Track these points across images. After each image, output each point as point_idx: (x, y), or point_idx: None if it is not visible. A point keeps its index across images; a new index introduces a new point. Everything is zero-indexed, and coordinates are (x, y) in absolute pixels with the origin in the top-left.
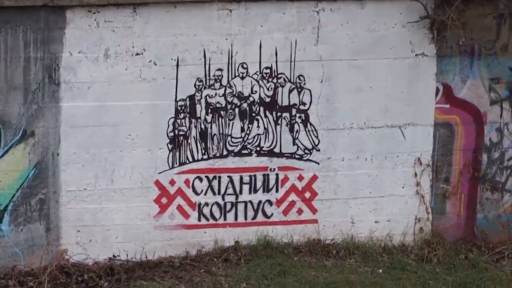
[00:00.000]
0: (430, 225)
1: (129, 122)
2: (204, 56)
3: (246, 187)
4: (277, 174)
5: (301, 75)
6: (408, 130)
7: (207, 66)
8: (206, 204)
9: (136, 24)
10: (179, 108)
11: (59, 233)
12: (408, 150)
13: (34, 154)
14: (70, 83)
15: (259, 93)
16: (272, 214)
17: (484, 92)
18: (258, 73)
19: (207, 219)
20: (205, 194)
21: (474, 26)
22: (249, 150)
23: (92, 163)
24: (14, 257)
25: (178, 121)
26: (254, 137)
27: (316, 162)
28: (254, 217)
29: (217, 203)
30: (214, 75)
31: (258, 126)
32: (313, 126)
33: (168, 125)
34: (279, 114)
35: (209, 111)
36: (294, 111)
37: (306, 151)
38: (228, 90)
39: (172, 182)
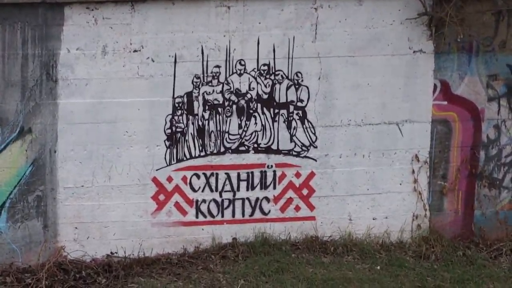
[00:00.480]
0: (427, 222)
1: (126, 119)
2: (202, 53)
3: (243, 184)
4: (274, 171)
5: (299, 72)
6: (406, 127)
7: (204, 63)
8: (204, 201)
9: (134, 21)
10: (176, 105)
11: (56, 230)
12: (406, 147)
13: (31, 151)
14: (68, 80)
15: (257, 90)
16: (269, 211)
17: (482, 89)
18: (255, 70)
19: (205, 216)
20: (202, 191)
21: (472, 23)
22: (246, 147)
23: (89, 160)
24: (11, 254)
25: (176, 118)
26: (251, 134)
27: (314, 159)
28: (252, 214)
29: (214, 200)
30: (211, 72)
31: (255, 123)
32: (311, 123)
33: (166, 122)
34: (276, 111)
35: (207, 108)
36: (291, 108)
37: (304, 148)
38: (226, 87)
39: (169, 179)
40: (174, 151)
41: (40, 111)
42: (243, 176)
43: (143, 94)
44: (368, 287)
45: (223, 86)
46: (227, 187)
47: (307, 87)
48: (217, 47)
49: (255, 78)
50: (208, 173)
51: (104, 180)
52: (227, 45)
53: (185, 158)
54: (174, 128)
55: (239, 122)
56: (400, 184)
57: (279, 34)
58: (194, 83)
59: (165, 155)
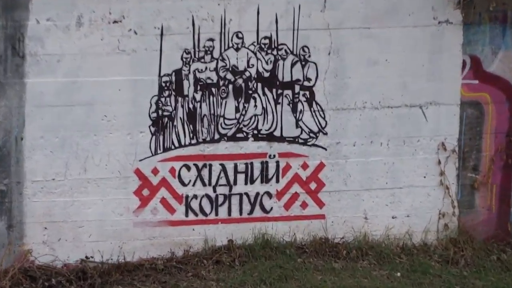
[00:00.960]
0: (456, 221)
1: (105, 101)
2: (193, 24)
3: (241, 177)
4: (277, 162)
5: (306, 46)
6: (430, 110)
7: (196, 36)
8: (195, 196)
9: None
10: (163, 84)
11: (23, 230)
12: (431, 134)
13: None
14: (37, 56)
15: (257, 67)
16: (271, 208)
17: None
18: (255, 43)
19: (196, 214)
20: (193, 185)
21: None
22: (245, 133)
23: (61, 149)
24: None
25: (162, 99)
26: (250, 118)
27: (323, 148)
28: (251, 211)
29: (207, 196)
30: (204, 46)
31: (255, 106)
32: (320, 106)
33: (151, 105)
34: (279, 91)
35: (199, 88)
36: (297, 88)
37: (312, 134)
38: (221, 64)
39: (155, 171)
40: (161, 138)
41: (5, 91)
42: (241, 167)
43: (125, 72)
44: None
45: (217, 63)
46: (222, 181)
47: (315, 64)
48: (210, 17)
49: (255, 54)
50: (200, 164)
51: (79, 173)
52: (222, 15)
53: (173, 147)
54: (160, 112)
55: (236, 105)
56: (424, 177)
57: (282, 2)
58: (184, 59)
59: (150, 143)
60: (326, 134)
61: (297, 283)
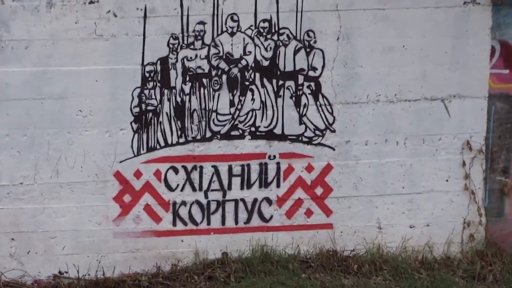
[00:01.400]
0: (483, 231)
1: (80, 94)
2: (181, 5)
3: (236, 181)
4: (278, 163)
5: (311, 31)
6: (454, 104)
7: (184, 19)
8: (184, 203)
9: None
10: (147, 74)
11: None
12: (454, 131)
13: None
14: (2, 42)
15: (255, 55)
16: (271, 216)
17: None
18: (253, 27)
19: (185, 224)
20: (182, 190)
21: None
22: (240, 131)
23: (30, 148)
24: None
25: (146, 92)
26: (247, 113)
27: (331, 147)
28: (248, 220)
29: (198, 202)
30: (194, 31)
31: (252, 99)
32: (327, 99)
33: (133, 98)
34: (281, 82)
35: (188, 78)
36: (301, 79)
37: (317, 132)
38: (213, 51)
39: (137, 174)
40: (144, 136)
41: None
42: (236, 170)
43: (102, 61)
44: None
45: (209, 50)
46: (215, 185)
47: (322, 51)
48: None
49: (252, 39)
50: (189, 166)
51: (51, 176)
52: None
53: (158, 146)
54: (144, 106)
55: (231, 98)
56: (447, 180)
57: None
58: (171, 46)
59: (132, 142)
60: (334, 131)
61: None
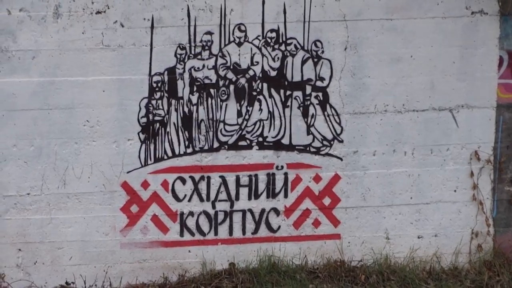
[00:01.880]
0: (491, 241)
1: (87, 104)
2: (188, 15)
3: (244, 191)
4: (285, 174)
5: (318, 41)
6: (462, 114)
7: (192, 29)
8: (191, 213)
9: None
10: (154, 85)
11: None
12: (462, 141)
13: None
14: (9, 52)
15: (262, 65)
16: (279, 227)
17: None
18: (260, 37)
19: (192, 234)
20: (189, 200)
21: None
22: (248, 141)
23: (37, 159)
24: None
25: (153, 102)
26: (255, 124)
27: (339, 158)
28: (255, 231)
29: (205, 213)
30: (201, 41)
31: (260, 109)
32: (334, 109)
33: (140, 108)
34: (288, 93)
35: (195, 89)
36: (308, 89)
37: (325, 142)
38: (220, 61)
39: (145, 185)
40: (152, 147)
41: None
42: (244, 180)
43: (110, 71)
44: None
45: (216, 60)
46: (223, 196)
47: (330, 61)
48: (208, 7)
49: (260, 49)
50: (197, 176)
51: (58, 186)
52: (222, 5)
53: (166, 157)
54: (151, 116)
55: (239, 108)
56: (455, 191)
57: None
58: (178, 56)
59: (139, 153)
60: (341, 142)
61: None
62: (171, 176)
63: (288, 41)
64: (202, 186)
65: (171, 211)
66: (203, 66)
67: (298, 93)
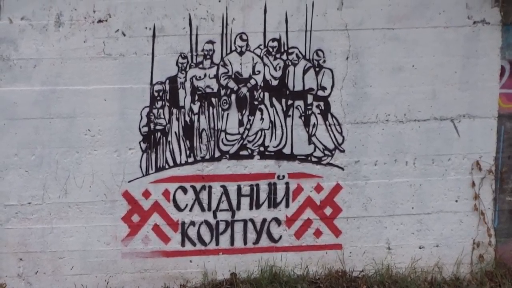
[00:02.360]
0: (492, 251)
1: (88, 113)
2: (190, 24)
3: (245, 201)
4: (287, 183)
5: (320, 50)
6: (464, 123)
7: (193, 38)
8: (192, 223)
9: None
10: (155, 94)
11: None
12: (464, 151)
13: None
14: (10, 61)
15: (263, 74)
16: (280, 237)
17: None
18: (262, 47)
19: (194, 244)
20: (190, 210)
21: None
22: (249, 151)
23: (39, 168)
24: None
25: (155, 111)
26: (256, 133)
27: (340, 167)
28: (257, 241)
29: (206, 222)
30: (202, 50)
31: (261, 119)
32: (336, 119)
33: (141, 117)
34: (290, 102)
35: (196, 98)
36: (310, 98)
37: (327, 152)
38: (222, 70)
39: (146, 194)
40: (153, 156)
41: None
42: (245, 190)
43: (111, 80)
44: None
45: (218, 69)
46: (224, 205)
47: (331, 70)
48: (210, 16)
49: (261, 58)
50: (198, 186)
51: (59, 196)
52: (224, 14)
53: (167, 166)
54: (152, 126)
55: (240, 118)
56: (456, 201)
57: None
58: (179, 65)
59: (141, 162)
60: (343, 151)
61: None
62: (172, 186)
63: (290, 50)
64: (204, 195)
65: (172, 220)
66: (205, 75)
67: (299, 103)
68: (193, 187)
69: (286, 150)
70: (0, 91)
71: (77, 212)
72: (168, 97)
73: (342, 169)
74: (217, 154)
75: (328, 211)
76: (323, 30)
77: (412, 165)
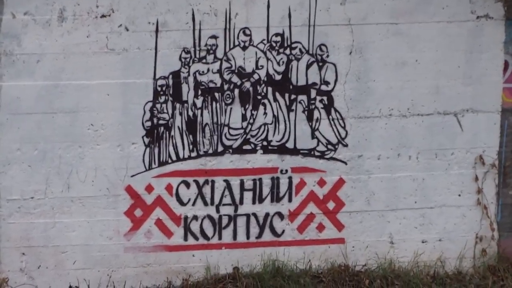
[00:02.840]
0: (495, 246)
1: (91, 108)
2: (193, 19)
3: (248, 195)
4: (290, 178)
5: (323, 45)
6: (467, 118)
7: (196, 33)
8: (195, 217)
9: None
10: (158, 88)
11: None
12: (467, 146)
13: None
14: (13, 56)
15: (267, 69)
16: (283, 231)
17: None
18: (265, 41)
19: (196, 238)
20: (193, 204)
21: None
22: (252, 145)
23: (41, 162)
24: None
25: (158, 106)
26: (259, 128)
27: (343, 162)
28: (260, 235)
29: (209, 217)
30: (206, 45)
31: (265, 113)
32: (339, 113)
33: (144, 112)
34: (293, 97)
35: (199, 92)
36: (313, 93)
37: (330, 146)
38: (225, 65)
39: (149, 189)
40: (156, 151)
41: None
42: (248, 184)
43: (114, 75)
44: None
45: (221, 64)
46: (227, 200)
47: (334, 65)
48: (213, 11)
49: (265, 53)
50: (201, 180)
51: (62, 190)
52: (227, 9)
53: (170, 161)
54: (155, 120)
55: (243, 112)
56: (459, 195)
57: None
58: (183, 60)
59: (144, 157)
60: (346, 146)
61: None
62: (175, 180)
63: (293, 45)
64: (206, 190)
65: (175, 215)
66: (208, 70)
67: (303, 97)
68: (196, 182)
69: (289, 145)
70: (3, 86)
71: (80, 206)
72: (171, 92)
73: (345, 163)
74: (220, 148)
75: (331, 205)
76: (326, 25)
77: (415, 159)
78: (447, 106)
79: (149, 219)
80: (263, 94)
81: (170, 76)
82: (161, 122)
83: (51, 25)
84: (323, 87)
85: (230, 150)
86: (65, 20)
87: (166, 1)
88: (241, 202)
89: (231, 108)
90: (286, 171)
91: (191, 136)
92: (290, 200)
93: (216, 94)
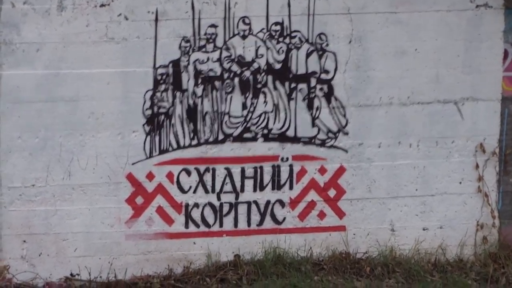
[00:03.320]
0: (496, 233)
1: (92, 97)
2: (192, 8)
3: (249, 183)
4: (291, 166)
5: (323, 34)
6: (467, 106)
7: (196, 22)
8: (196, 205)
9: None
10: (158, 77)
11: None
12: (467, 134)
13: None
14: (13, 45)
15: (267, 58)
16: (284, 218)
17: None
18: (265, 30)
19: (197, 226)
20: (194, 192)
21: None
22: (253, 133)
23: (42, 150)
24: None
25: (158, 94)
26: (260, 116)
27: (344, 150)
28: (261, 222)
29: (210, 204)
30: (205, 34)
31: (265, 102)
32: (340, 102)
33: (145, 100)
34: (293, 85)
35: (200, 81)
36: (313, 82)
37: (330, 134)
38: (225, 54)
39: (150, 176)
40: (157, 139)
41: None
42: (249, 172)
43: (114, 63)
44: None
45: (221, 53)
46: (228, 187)
47: (334, 54)
48: (212, 0)
49: (264, 42)
50: (202, 168)
51: (63, 178)
52: None
53: (171, 149)
54: (156, 109)
55: (243, 101)
56: (460, 183)
57: None
58: (182, 49)
59: (144, 145)
60: (347, 134)
61: None
62: (176, 168)
63: (293, 34)
64: (207, 177)
65: (176, 202)
66: (208, 59)
67: (303, 86)
68: (197, 169)
69: (290, 133)
70: (3, 75)
71: (81, 194)
72: (171, 81)
73: (346, 151)
74: (221, 136)
75: (332, 193)
76: (326, 14)
77: (416, 147)
78: (447, 95)
79: (150, 206)
80: (263, 82)
81: (170, 65)
82: (161, 110)
83: (50, 14)
84: (323, 76)
85: (231, 138)
86: (65, 9)
87: None
88: (242, 190)
89: (231, 97)
90: (287, 159)
91: (191, 124)
92: (291, 187)
93: (216, 83)
